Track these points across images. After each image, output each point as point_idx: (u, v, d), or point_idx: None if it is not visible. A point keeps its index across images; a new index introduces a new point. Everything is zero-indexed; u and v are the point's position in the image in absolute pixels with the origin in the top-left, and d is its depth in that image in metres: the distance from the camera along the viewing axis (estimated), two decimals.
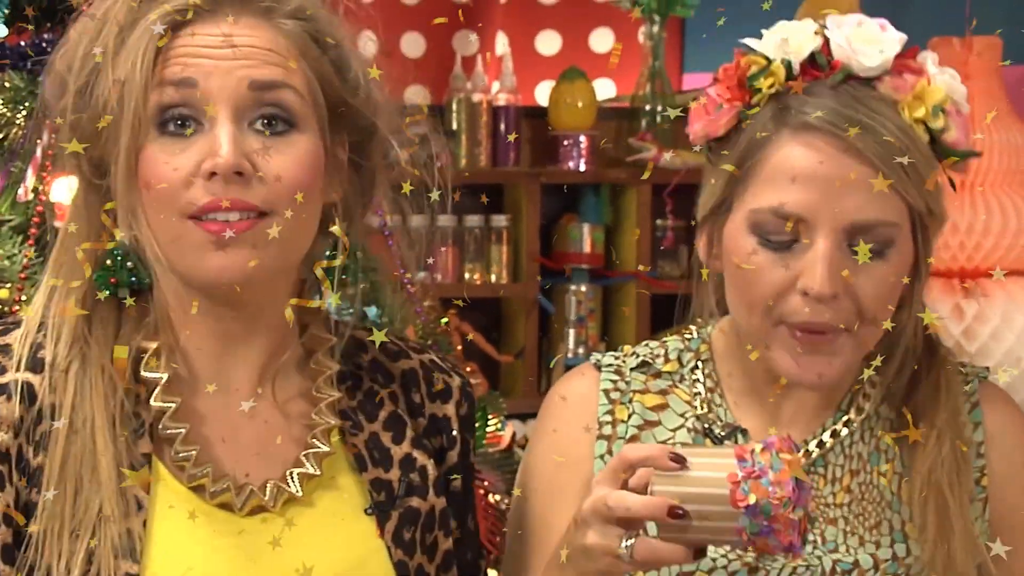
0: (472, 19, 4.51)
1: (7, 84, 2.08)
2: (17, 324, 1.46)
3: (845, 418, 1.63)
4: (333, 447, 1.47)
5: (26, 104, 2.03)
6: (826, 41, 1.56)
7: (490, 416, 2.54)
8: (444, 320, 2.47)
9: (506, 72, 4.40)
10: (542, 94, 4.56)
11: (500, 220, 4.30)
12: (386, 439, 1.50)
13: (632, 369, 1.68)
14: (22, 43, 2.13)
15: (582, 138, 4.34)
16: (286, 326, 1.47)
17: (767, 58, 1.57)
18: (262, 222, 1.37)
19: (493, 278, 4.32)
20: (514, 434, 2.78)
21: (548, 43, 4.62)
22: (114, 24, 1.39)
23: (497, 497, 2.45)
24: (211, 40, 1.38)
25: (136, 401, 1.42)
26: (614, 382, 1.67)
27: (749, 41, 1.59)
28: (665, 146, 4.26)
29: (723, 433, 1.62)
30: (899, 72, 1.55)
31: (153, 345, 1.44)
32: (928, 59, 1.58)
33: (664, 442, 1.63)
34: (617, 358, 1.69)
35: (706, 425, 1.63)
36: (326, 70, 1.43)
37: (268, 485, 1.44)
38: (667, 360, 1.68)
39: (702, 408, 1.64)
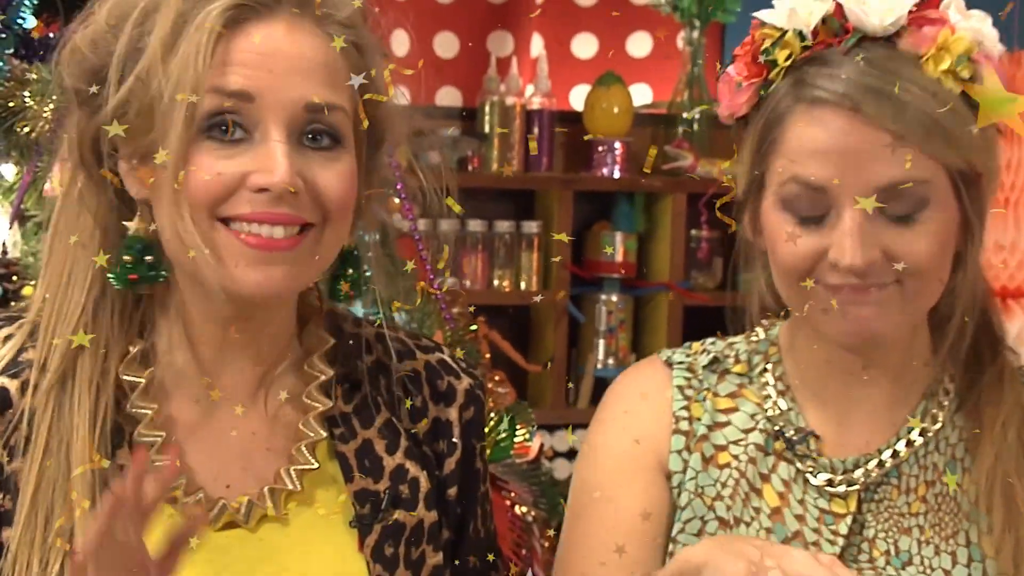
0: (507, 20, 4.47)
1: (34, 76, 2.07)
2: (10, 321, 1.43)
3: (921, 427, 1.60)
4: (319, 460, 1.43)
5: (53, 97, 2.01)
6: (838, 4, 1.51)
7: (518, 426, 2.50)
8: (473, 327, 2.45)
9: (541, 75, 4.34)
10: (577, 98, 4.50)
11: (531, 226, 4.25)
12: (380, 447, 1.46)
13: (704, 367, 1.66)
14: (50, 35, 2.12)
15: (617, 144, 4.28)
16: (287, 334, 1.45)
17: (780, 29, 1.53)
18: (306, 238, 1.35)
19: (523, 285, 4.27)
20: (542, 445, 2.74)
21: (584, 46, 4.56)
22: (167, 13, 1.33)
23: (524, 509, 2.42)
24: (269, 47, 1.34)
25: (117, 408, 1.40)
26: (687, 379, 1.65)
27: (761, 13, 1.54)
28: (702, 154, 4.21)
29: (795, 438, 1.60)
30: (918, 25, 1.50)
31: (134, 349, 1.41)
32: (952, 6, 1.52)
33: (735, 443, 1.62)
34: (688, 355, 1.67)
35: (777, 427, 1.61)
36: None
37: (244, 501, 1.40)
38: (737, 361, 1.66)
39: (773, 410, 1.62)
